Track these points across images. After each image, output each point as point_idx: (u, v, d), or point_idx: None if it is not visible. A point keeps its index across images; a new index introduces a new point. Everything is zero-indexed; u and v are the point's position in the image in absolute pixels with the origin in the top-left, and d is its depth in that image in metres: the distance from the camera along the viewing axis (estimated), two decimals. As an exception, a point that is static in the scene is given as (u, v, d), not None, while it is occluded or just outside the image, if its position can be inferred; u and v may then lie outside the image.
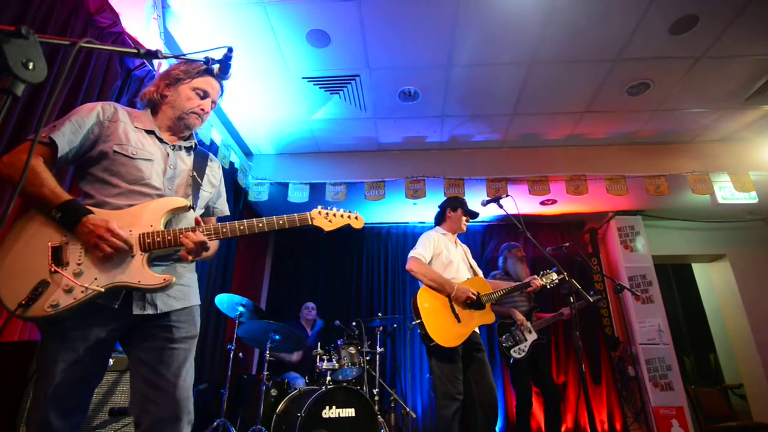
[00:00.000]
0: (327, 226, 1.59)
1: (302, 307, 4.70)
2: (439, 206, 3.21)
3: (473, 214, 3.10)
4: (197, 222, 1.43)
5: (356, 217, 1.65)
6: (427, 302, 2.66)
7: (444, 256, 2.87)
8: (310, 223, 1.56)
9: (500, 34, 3.18)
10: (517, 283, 3.05)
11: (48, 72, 0.75)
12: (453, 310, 2.68)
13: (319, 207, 1.61)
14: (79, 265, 1.24)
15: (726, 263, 5.49)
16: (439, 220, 3.16)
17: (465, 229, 3.10)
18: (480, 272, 3.08)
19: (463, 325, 2.66)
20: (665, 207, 5.21)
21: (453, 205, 3.11)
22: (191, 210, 1.47)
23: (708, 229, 5.54)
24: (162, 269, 1.37)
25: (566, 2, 2.92)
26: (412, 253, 2.84)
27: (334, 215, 1.61)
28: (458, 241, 3.11)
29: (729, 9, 2.96)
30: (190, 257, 1.38)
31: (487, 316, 2.80)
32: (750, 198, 4.46)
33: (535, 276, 3.01)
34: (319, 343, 3.63)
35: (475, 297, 2.67)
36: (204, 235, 1.38)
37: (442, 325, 2.61)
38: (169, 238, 1.33)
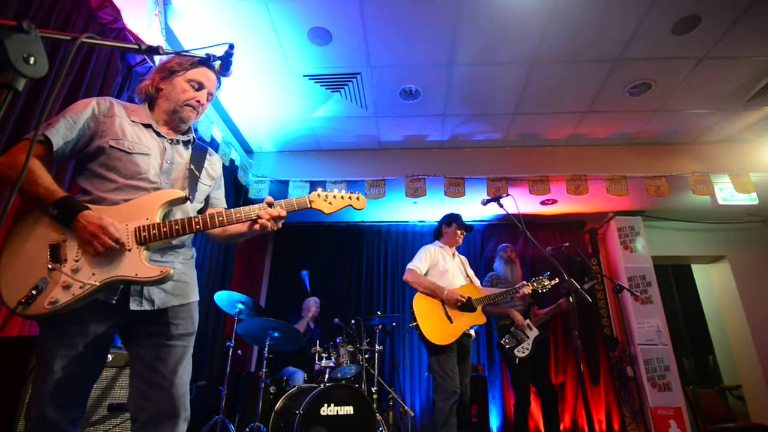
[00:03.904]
0: (327, 209, 1.56)
1: (309, 301, 4.61)
2: (437, 221, 3.56)
3: (466, 228, 3.41)
4: (268, 203, 1.47)
5: (357, 198, 1.61)
6: (422, 306, 3.01)
7: (440, 266, 3.22)
8: (309, 206, 1.53)
9: (502, 33, 3.17)
10: (507, 289, 3.27)
11: (49, 68, 0.75)
12: (446, 313, 3.00)
13: (319, 189, 1.58)
14: (76, 261, 1.24)
15: (726, 264, 5.49)
16: (437, 235, 3.52)
17: (461, 242, 3.41)
18: (476, 281, 3.40)
19: (454, 326, 2.97)
20: (665, 208, 5.20)
21: (447, 221, 3.45)
22: (188, 202, 1.46)
23: (708, 230, 5.54)
24: (160, 264, 1.36)
25: (568, 2, 2.91)
26: (409, 266, 3.20)
27: (334, 197, 1.57)
28: (456, 252, 3.44)
29: (732, 10, 2.95)
30: (268, 227, 1.45)
31: (478, 318, 3.10)
32: (750, 199, 4.46)
33: (525, 282, 3.25)
34: (318, 341, 3.63)
35: (464, 300, 3.01)
36: (201, 224, 1.39)
37: (436, 325, 2.94)
38: (165, 230, 1.33)
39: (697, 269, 6.34)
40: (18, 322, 2.08)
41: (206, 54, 1.41)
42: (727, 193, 4.47)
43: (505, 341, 3.70)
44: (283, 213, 1.46)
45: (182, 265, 1.47)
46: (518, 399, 3.72)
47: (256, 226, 1.46)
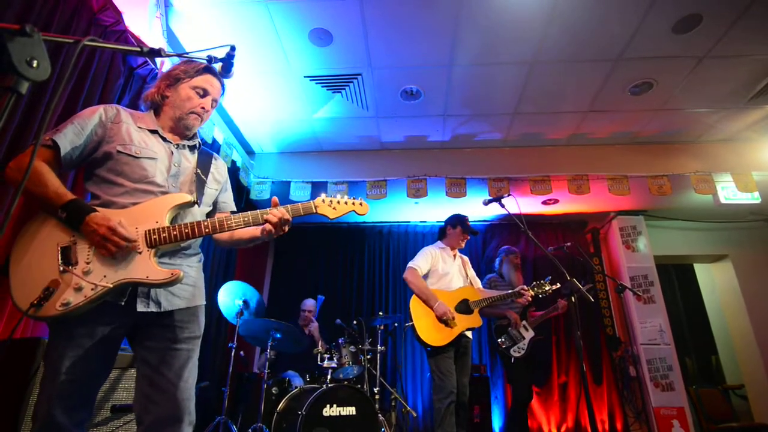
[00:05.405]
0: (331, 214, 1.58)
1: (300, 309, 4.55)
2: (443, 221, 3.50)
3: (472, 232, 3.38)
4: (274, 203, 1.49)
5: (360, 204, 1.64)
6: (418, 306, 3.03)
7: (441, 268, 3.23)
8: (314, 211, 1.55)
9: (502, 33, 3.18)
10: (508, 292, 3.23)
11: (51, 70, 0.76)
12: None
13: (323, 195, 1.61)
14: (87, 263, 1.26)
15: (728, 264, 5.47)
16: (441, 235, 3.48)
17: (463, 245, 3.39)
18: (476, 281, 3.40)
19: (449, 327, 2.97)
20: (667, 207, 5.19)
21: (453, 222, 3.41)
22: (196, 206, 1.49)
23: (710, 229, 5.52)
24: (169, 267, 1.38)
25: (568, 1, 2.91)
26: (410, 264, 3.19)
27: (338, 202, 1.60)
28: (458, 253, 3.41)
29: (733, 9, 2.94)
30: (274, 234, 1.46)
31: (474, 321, 3.09)
32: (753, 198, 4.45)
33: (525, 286, 3.20)
34: (320, 343, 3.63)
35: (451, 317, 2.96)
36: (209, 227, 1.41)
37: (431, 326, 2.95)
38: (175, 233, 1.35)
39: (699, 268, 6.32)
40: (22, 324, 2.08)
41: (208, 56, 1.42)
42: (729, 192, 4.46)
43: (501, 341, 3.73)
44: (289, 216, 1.48)
45: (190, 268, 1.49)
46: (515, 398, 3.74)
47: (264, 232, 1.48)
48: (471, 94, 3.88)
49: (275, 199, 1.51)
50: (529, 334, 3.72)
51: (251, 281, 5.34)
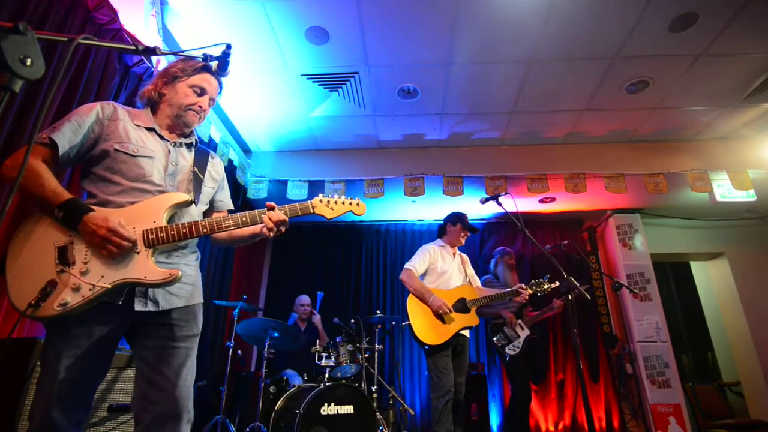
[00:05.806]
0: (329, 214, 1.59)
1: (296, 303, 4.58)
2: (443, 219, 3.48)
3: (472, 229, 3.38)
4: (270, 208, 1.48)
5: (357, 204, 1.65)
6: (415, 305, 3.04)
7: (439, 267, 3.22)
8: (311, 211, 1.56)
9: (500, 31, 3.17)
10: (506, 290, 3.20)
11: (46, 69, 0.75)
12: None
13: (320, 195, 1.61)
14: (85, 263, 1.25)
15: (724, 261, 5.50)
16: (440, 233, 3.47)
17: (463, 242, 3.38)
18: (475, 280, 3.40)
19: (446, 326, 2.98)
20: (664, 205, 5.21)
21: (453, 220, 3.40)
22: (193, 205, 1.48)
23: (706, 227, 5.55)
24: (166, 266, 1.37)
25: (565, 0, 2.91)
26: (406, 265, 3.19)
27: (336, 203, 1.61)
28: (457, 251, 3.41)
29: (729, 7, 2.95)
30: (271, 234, 1.47)
31: (471, 320, 3.09)
32: (748, 196, 4.46)
33: (523, 285, 3.17)
34: (317, 341, 3.63)
35: (447, 311, 2.96)
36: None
37: (428, 325, 2.96)
38: (173, 233, 1.34)
39: (695, 266, 6.35)
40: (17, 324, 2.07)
41: (203, 54, 1.41)
42: (725, 189, 4.47)
43: (496, 340, 3.75)
44: (286, 218, 1.48)
45: (187, 267, 1.48)
46: (517, 396, 3.75)
47: (265, 230, 1.48)
48: (468, 93, 3.88)
49: (271, 204, 1.51)
50: (524, 333, 3.74)
51: (249, 280, 5.36)
